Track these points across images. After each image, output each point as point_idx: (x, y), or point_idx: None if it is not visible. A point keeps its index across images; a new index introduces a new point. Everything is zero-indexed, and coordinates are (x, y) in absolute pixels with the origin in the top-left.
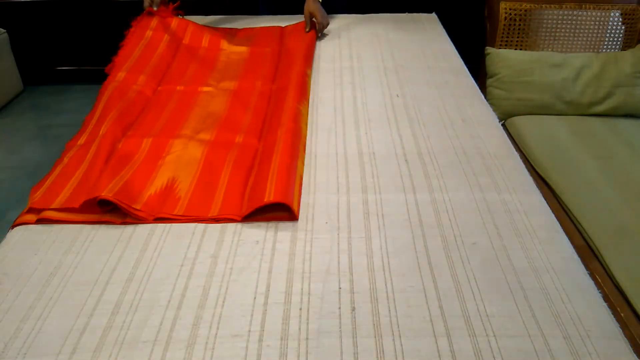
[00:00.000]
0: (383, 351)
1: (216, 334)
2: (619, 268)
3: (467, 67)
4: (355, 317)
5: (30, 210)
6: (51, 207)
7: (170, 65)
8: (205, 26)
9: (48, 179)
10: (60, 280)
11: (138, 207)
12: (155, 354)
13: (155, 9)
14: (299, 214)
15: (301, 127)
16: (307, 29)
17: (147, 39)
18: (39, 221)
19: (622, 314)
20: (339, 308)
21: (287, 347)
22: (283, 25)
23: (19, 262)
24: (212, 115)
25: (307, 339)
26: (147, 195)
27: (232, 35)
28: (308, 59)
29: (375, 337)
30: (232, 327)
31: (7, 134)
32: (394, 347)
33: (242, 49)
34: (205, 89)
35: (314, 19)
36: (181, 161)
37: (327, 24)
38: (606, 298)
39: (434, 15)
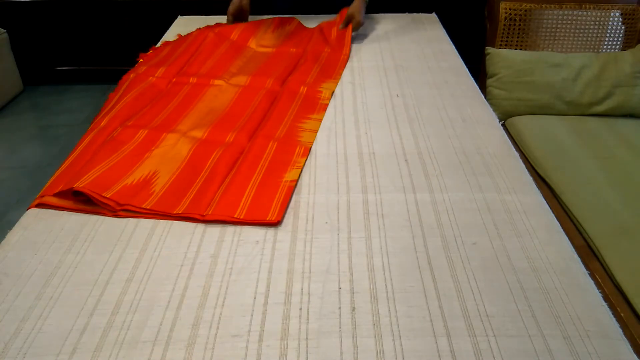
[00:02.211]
0: (383, 351)
1: (216, 334)
2: (619, 268)
3: (467, 67)
4: (355, 317)
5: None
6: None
7: (192, 57)
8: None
9: (59, 168)
10: (60, 280)
11: (108, 195)
12: (155, 354)
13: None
14: (280, 217)
15: (299, 142)
16: (342, 27)
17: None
18: (39, 205)
19: (622, 314)
20: (339, 308)
21: (287, 347)
22: (313, 26)
23: (19, 262)
24: (214, 111)
25: (307, 339)
26: (122, 184)
27: (265, 28)
28: (329, 69)
29: (375, 337)
30: (232, 327)
31: (7, 134)
32: (394, 347)
33: (269, 49)
34: (217, 82)
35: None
36: (166, 156)
37: (362, 24)
38: (606, 298)
39: (434, 15)
